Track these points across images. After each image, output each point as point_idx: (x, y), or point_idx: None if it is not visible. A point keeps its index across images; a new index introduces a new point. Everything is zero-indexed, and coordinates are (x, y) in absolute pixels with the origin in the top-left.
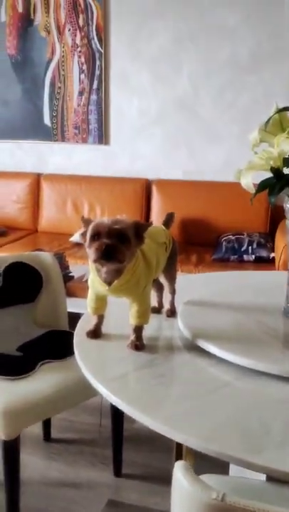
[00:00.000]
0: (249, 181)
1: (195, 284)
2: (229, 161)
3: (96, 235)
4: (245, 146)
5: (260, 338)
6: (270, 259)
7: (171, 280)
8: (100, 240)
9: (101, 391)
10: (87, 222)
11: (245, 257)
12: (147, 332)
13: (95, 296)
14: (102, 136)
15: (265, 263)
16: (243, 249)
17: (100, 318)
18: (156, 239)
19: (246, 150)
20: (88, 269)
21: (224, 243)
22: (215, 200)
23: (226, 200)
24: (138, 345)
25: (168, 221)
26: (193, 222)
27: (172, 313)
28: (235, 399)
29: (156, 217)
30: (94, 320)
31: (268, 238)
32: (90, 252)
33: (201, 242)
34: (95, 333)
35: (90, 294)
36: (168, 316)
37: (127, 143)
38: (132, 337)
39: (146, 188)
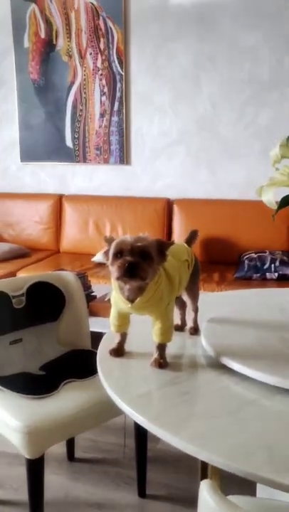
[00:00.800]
0: (271, 197)
1: (218, 302)
2: (251, 179)
3: (119, 253)
4: (266, 163)
5: (285, 355)
6: None
7: (194, 298)
8: (122, 257)
9: (124, 410)
10: (109, 240)
11: (267, 275)
12: (170, 350)
13: (117, 313)
14: (124, 157)
15: (288, 281)
16: (265, 267)
17: (123, 336)
18: (179, 257)
19: (267, 167)
20: (111, 288)
21: (246, 261)
22: (237, 218)
23: (248, 218)
24: (161, 363)
25: (191, 239)
26: (215, 241)
27: (195, 331)
28: (261, 417)
29: (178, 236)
30: (117, 338)
31: None
32: (113, 270)
33: (223, 261)
34: (118, 351)
35: (113, 311)
36: (191, 333)
37: (148, 163)
38: (156, 355)
39: (167, 207)
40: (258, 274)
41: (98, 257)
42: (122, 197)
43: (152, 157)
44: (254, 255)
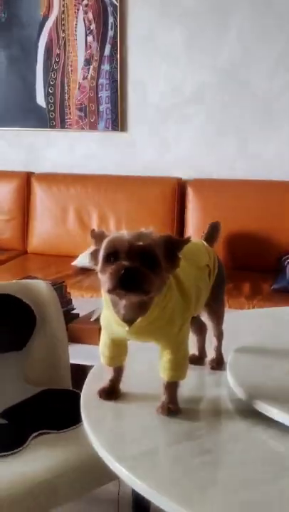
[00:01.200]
0: None
1: (249, 324)
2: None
3: (112, 255)
4: None
5: None
6: None
7: (217, 319)
8: (117, 261)
9: (120, 474)
10: (99, 236)
11: None
12: (185, 390)
13: (110, 340)
14: (117, 121)
15: None
16: None
17: (118, 372)
18: (197, 261)
19: None
20: (100, 304)
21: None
22: (274, 206)
23: (287, 206)
24: (171, 408)
25: (211, 235)
26: (245, 238)
27: (219, 364)
28: None
29: (194, 232)
30: (109, 374)
31: None
32: (104, 279)
33: (256, 266)
34: (111, 393)
35: (104, 337)
36: (213, 368)
37: (151, 129)
38: (164, 398)
39: (178, 191)
40: None
41: (81, 260)
42: (114, 176)
43: (158, 122)
44: None
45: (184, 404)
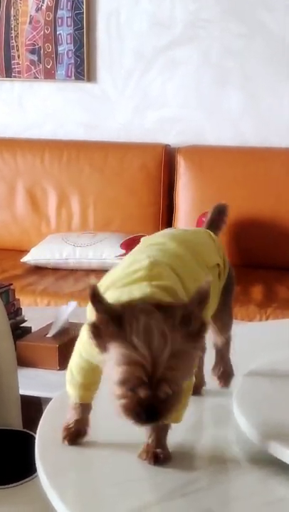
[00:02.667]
0: None
1: (261, 341)
2: None
3: (131, 384)
4: None
5: None
6: None
7: (225, 326)
8: (136, 391)
9: None
10: (103, 307)
11: None
12: (176, 430)
13: (87, 363)
14: (83, 67)
15: None
16: None
17: (86, 407)
18: (206, 260)
19: None
20: (60, 315)
21: None
22: None
23: None
24: (160, 454)
25: (216, 222)
26: (255, 226)
27: (228, 377)
28: None
29: (185, 214)
30: (76, 411)
31: None
32: (114, 397)
33: (270, 263)
34: (78, 435)
35: (80, 358)
36: (222, 385)
37: (129, 78)
38: (149, 440)
39: (165, 161)
40: None
41: (35, 256)
42: (79, 142)
43: (138, 68)
44: None
45: (176, 448)
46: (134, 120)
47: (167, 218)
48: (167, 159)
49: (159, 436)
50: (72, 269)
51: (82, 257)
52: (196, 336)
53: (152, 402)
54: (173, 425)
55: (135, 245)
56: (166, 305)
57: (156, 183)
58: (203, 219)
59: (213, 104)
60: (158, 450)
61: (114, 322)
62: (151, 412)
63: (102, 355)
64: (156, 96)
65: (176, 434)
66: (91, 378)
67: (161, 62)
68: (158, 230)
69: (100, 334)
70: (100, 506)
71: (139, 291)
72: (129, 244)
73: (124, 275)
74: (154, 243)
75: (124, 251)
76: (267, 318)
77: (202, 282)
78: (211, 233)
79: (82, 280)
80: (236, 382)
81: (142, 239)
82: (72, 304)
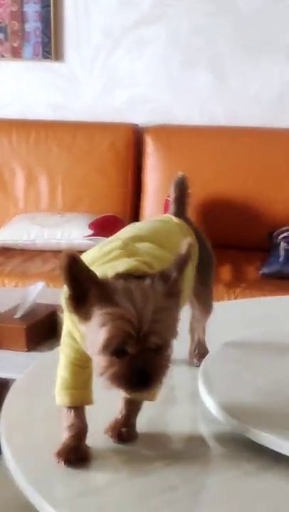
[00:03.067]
0: None
1: (230, 321)
2: None
3: (117, 350)
4: None
5: None
6: None
7: (205, 309)
8: (124, 357)
9: None
10: (71, 266)
11: None
12: (144, 407)
13: (73, 364)
14: (51, 46)
15: None
16: None
17: (81, 416)
18: (175, 247)
19: None
20: (28, 295)
21: (283, 244)
22: (265, 163)
23: (285, 163)
24: (123, 432)
25: (180, 198)
26: (224, 207)
27: (203, 357)
28: None
29: (153, 194)
30: (69, 420)
31: None
32: (102, 369)
33: (240, 244)
34: (79, 453)
35: (65, 360)
36: (196, 363)
37: (97, 58)
38: (119, 415)
39: (133, 141)
40: None
41: (2, 237)
42: (47, 122)
43: (106, 46)
44: None
45: (142, 426)
46: (103, 100)
47: (136, 198)
48: (136, 139)
49: (129, 414)
50: (40, 250)
51: (50, 237)
52: (175, 295)
53: (142, 365)
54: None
55: (104, 226)
56: (150, 275)
57: (124, 163)
58: (169, 198)
59: (181, 83)
60: (123, 429)
61: (96, 288)
62: (142, 376)
63: (84, 326)
64: (125, 75)
65: (143, 412)
66: (79, 377)
67: (130, 41)
68: (126, 210)
69: (78, 306)
70: (65, 485)
71: (123, 265)
72: (98, 225)
73: (101, 255)
74: (119, 235)
75: (92, 231)
76: (235, 298)
77: (183, 245)
78: (174, 218)
79: (51, 261)
80: (201, 364)
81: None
82: (40, 285)
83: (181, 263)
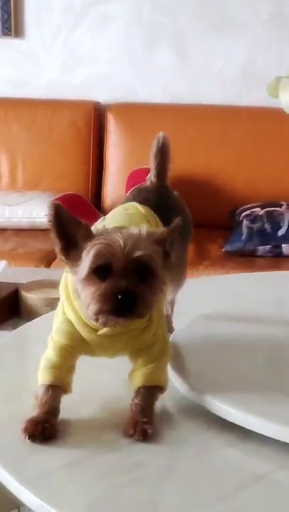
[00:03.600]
0: None
1: (193, 297)
2: (254, 66)
3: (103, 269)
4: (285, 33)
5: None
6: None
7: (176, 283)
8: (109, 277)
9: (24, 499)
10: (83, 230)
11: (284, 247)
12: (110, 383)
13: (63, 346)
14: (10, 22)
15: None
16: (280, 233)
17: (58, 395)
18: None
19: (285, 42)
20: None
21: (245, 222)
22: (227, 141)
23: (250, 142)
24: (147, 430)
25: (161, 163)
26: (186, 185)
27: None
28: (277, 504)
29: (115, 172)
30: (45, 395)
31: None
32: (89, 297)
33: (202, 222)
34: (48, 431)
35: (55, 341)
36: None
37: (57, 35)
38: (135, 413)
39: (95, 119)
40: (268, 246)
41: None
42: (7, 99)
43: (67, 23)
44: (260, 211)
45: (109, 402)
46: (64, 77)
47: (97, 176)
48: (97, 116)
49: (148, 408)
50: (1, 229)
51: (11, 216)
52: (166, 264)
53: (127, 285)
54: (105, 379)
55: (66, 204)
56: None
57: (86, 141)
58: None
59: (144, 60)
60: (146, 426)
61: (83, 230)
62: (127, 295)
63: (75, 272)
64: (86, 52)
65: (109, 388)
66: (66, 360)
67: (91, 18)
68: (88, 188)
69: (69, 254)
70: (34, 462)
71: (115, 223)
72: (61, 202)
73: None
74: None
75: None
76: (198, 275)
77: (175, 220)
78: (138, 206)
79: (12, 239)
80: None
81: None
82: (2, 264)
83: (172, 230)
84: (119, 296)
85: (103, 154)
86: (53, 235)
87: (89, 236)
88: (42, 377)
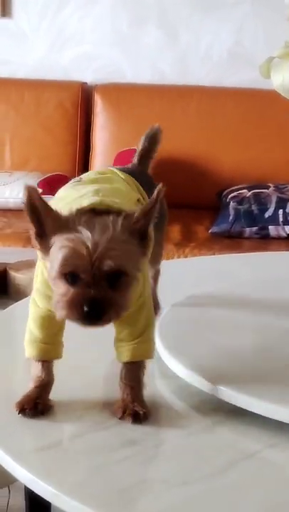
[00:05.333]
0: (288, 79)
1: (179, 279)
2: (243, 47)
3: (71, 275)
4: (273, 16)
5: None
6: None
7: (155, 257)
8: (76, 283)
9: (16, 473)
10: (49, 215)
11: (271, 229)
12: (100, 363)
13: (45, 315)
14: None
15: None
16: (267, 214)
17: (49, 370)
18: (132, 201)
19: (277, 23)
20: None
21: (232, 204)
22: (215, 122)
23: (237, 123)
24: (138, 411)
25: (147, 150)
26: (173, 166)
27: (156, 311)
28: (266, 481)
29: (102, 153)
30: (37, 369)
31: None
32: (58, 298)
33: (189, 203)
34: (38, 406)
35: (35, 311)
36: None
37: (45, 15)
38: (125, 394)
39: (82, 99)
40: (255, 228)
41: None
42: None
43: (54, 3)
44: (247, 193)
45: (100, 382)
46: (51, 57)
47: (84, 157)
48: (84, 97)
49: (136, 388)
50: None
51: None
52: (139, 236)
53: (95, 293)
54: (96, 359)
55: (53, 184)
56: (115, 211)
57: (73, 122)
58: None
59: (131, 40)
60: (137, 407)
61: (53, 220)
62: (93, 304)
63: (46, 261)
64: (74, 32)
65: (100, 367)
66: (49, 330)
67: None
68: (75, 168)
69: (42, 241)
70: (27, 438)
71: (88, 200)
72: (47, 183)
73: (72, 193)
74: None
75: (41, 190)
76: (186, 257)
77: (156, 190)
78: (116, 171)
79: None
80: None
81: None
82: None
83: (150, 207)
84: (87, 304)
85: (90, 135)
86: (27, 219)
87: (58, 226)
88: (28, 351)
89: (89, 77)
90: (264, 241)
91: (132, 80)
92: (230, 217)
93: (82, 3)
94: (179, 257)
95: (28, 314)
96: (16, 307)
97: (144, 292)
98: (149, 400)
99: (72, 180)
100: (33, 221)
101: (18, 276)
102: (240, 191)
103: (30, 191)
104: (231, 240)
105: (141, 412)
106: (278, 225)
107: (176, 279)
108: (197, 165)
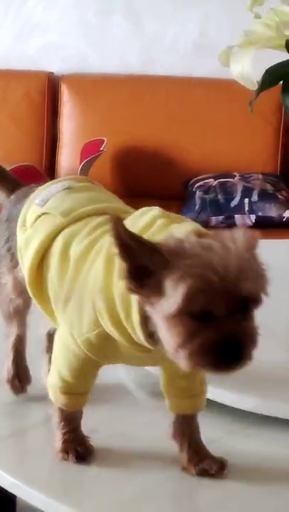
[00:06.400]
0: (247, 68)
1: None
2: (208, 37)
3: (204, 302)
4: (236, 6)
5: (271, 363)
6: (282, 222)
7: None
8: (208, 322)
9: None
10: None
11: (237, 217)
12: None
13: (85, 364)
14: None
15: (273, 228)
16: (233, 204)
17: (79, 417)
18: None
19: (239, 14)
20: None
21: (198, 193)
22: (179, 112)
23: (201, 112)
24: (213, 465)
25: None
26: (139, 156)
27: None
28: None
29: (69, 145)
30: (67, 422)
31: (279, 184)
32: (180, 343)
33: (155, 193)
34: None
35: (83, 364)
36: None
37: (9, 5)
38: (185, 449)
39: (49, 90)
40: (221, 217)
41: None
42: None
43: None
44: (213, 182)
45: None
46: (17, 47)
47: (51, 148)
48: (51, 87)
49: (200, 439)
50: None
51: None
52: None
53: (236, 330)
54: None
55: (20, 175)
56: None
57: (39, 112)
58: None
59: (97, 30)
60: (213, 462)
61: (160, 254)
62: (235, 345)
63: (154, 307)
64: (39, 22)
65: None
66: (89, 379)
67: None
68: (42, 159)
69: (140, 283)
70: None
71: (186, 227)
72: (14, 174)
73: (141, 228)
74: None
75: None
76: None
77: None
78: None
79: None
80: None
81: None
82: None
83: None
84: (225, 349)
85: (57, 125)
86: (119, 255)
87: (173, 258)
88: (56, 399)
89: (56, 67)
90: (230, 230)
91: (99, 70)
92: (197, 207)
93: None
94: None
95: (58, 356)
96: None
97: None
98: (113, 388)
99: (61, 187)
100: (129, 260)
101: None
102: (206, 180)
103: (118, 227)
104: None
105: (214, 469)
106: (244, 213)
107: None
108: (163, 155)
